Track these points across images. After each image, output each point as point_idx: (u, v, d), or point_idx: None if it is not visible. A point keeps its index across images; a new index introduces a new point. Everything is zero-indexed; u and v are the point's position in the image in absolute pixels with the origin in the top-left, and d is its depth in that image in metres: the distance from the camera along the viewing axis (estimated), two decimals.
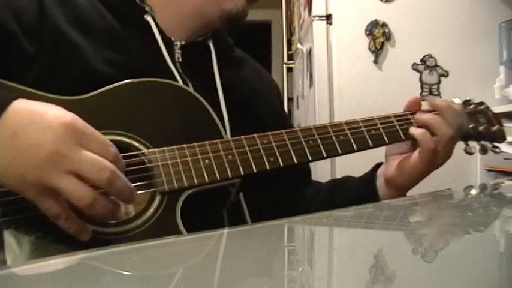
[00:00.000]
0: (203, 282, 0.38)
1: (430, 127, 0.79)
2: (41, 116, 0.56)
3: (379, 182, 0.85)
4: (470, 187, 0.93)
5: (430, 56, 1.95)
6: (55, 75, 0.71)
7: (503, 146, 0.87)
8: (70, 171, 0.55)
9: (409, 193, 0.85)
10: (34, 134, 0.55)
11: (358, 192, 0.87)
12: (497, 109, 0.93)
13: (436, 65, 1.95)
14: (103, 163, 0.56)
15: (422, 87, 1.95)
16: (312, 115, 2.09)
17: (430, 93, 1.94)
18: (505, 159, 1.63)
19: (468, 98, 0.89)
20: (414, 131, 0.79)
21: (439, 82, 1.96)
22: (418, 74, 1.96)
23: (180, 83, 0.77)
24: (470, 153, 0.86)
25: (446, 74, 1.96)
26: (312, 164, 0.94)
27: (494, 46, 1.94)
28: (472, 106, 0.88)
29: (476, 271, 0.39)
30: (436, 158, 0.78)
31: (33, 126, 0.56)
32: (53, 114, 0.56)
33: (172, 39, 0.82)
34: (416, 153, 0.79)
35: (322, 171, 1.87)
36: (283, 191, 0.90)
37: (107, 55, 0.74)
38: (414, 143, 0.81)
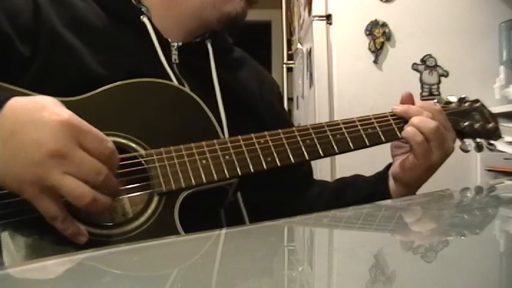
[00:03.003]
0: (203, 283, 0.38)
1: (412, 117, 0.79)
2: (38, 113, 0.56)
3: (391, 181, 0.84)
4: (467, 189, 0.93)
5: (430, 56, 1.95)
6: (51, 76, 0.71)
7: (503, 146, 0.87)
8: (69, 171, 0.55)
9: None
10: (32, 132, 0.55)
11: (367, 192, 0.86)
12: (497, 109, 0.93)
13: (436, 65, 1.95)
14: (99, 167, 0.57)
15: (422, 87, 1.95)
16: (312, 115, 2.09)
17: (430, 93, 1.94)
18: (505, 159, 1.63)
19: (463, 96, 0.89)
20: (403, 130, 0.79)
21: (439, 82, 1.96)
22: (418, 74, 1.96)
23: (176, 84, 0.77)
24: (466, 151, 0.86)
25: (446, 74, 1.96)
26: (312, 163, 0.93)
27: (494, 46, 1.93)
28: (467, 103, 0.88)
29: (476, 271, 0.39)
30: (430, 153, 0.77)
31: (31, 124, 0.56)
32: (49, 111, 0.57)
33: (169, 40, 0.81)
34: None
35: (322, 170, 1.87)
36: (284, 191, 0.90)
37: (102, 56, 0.74)
38: None
